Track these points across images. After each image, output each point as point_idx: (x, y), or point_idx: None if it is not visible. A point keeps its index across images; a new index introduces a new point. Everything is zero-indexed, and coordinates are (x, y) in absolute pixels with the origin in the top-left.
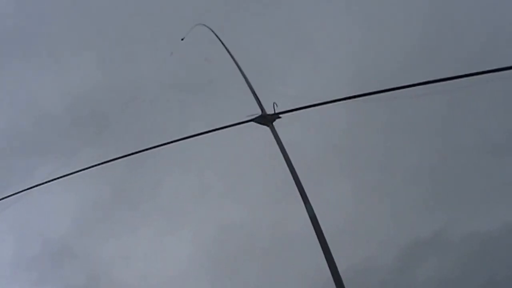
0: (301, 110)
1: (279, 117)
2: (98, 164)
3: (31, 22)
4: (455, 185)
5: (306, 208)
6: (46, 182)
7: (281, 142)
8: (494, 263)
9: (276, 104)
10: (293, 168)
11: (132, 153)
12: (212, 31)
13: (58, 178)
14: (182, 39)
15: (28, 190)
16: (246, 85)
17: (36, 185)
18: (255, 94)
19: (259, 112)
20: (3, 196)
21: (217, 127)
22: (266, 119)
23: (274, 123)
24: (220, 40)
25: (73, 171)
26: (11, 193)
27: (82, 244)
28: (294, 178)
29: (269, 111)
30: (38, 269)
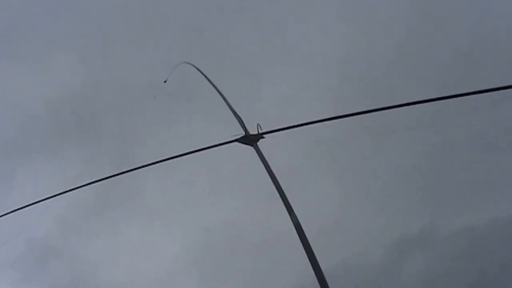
0: (285, 131)
1: (263, 137)
2: (89, 183)
3: (12, 22)
4: (443, 180)
5: (291, 218)
6: (40, 201)
7: (265, 161)
8: (482, 259)
9: (260, 126)
10: (278, 184)
11: (113, 175)
12: (197, 68)
13: (55, 196)
14: (165, 81)
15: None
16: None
17: (33, 203)
18: (238, 116)
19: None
20: None
21: (201, 147)
22: (250, 139)
23: (258, 143)
24: (206, 77)
25: (68, 189)
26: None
27: (66, 243)
28: (279, 193)
29: (253, 132)
30: (22, 269)
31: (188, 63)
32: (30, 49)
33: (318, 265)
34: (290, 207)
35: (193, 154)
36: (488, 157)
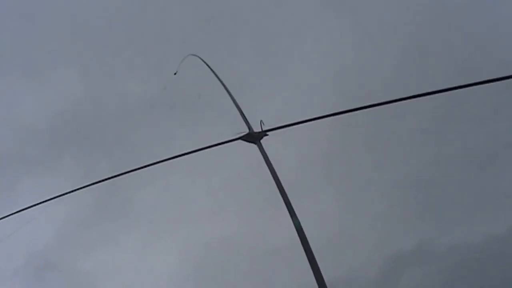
0: (288, 127)
1: (266, 135)
2: (91, 184)
3: (12, 36)
4: (439, 197)
5: (293, 221)
6: (39, 203)
7: (268, 159)
8: (477, 274)
9: (262, 122)
10: (280, 184)
11: (120, 174)
12: (203, 60)
13: (51, 199)
14: (175, 74)
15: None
16: (232, 105)
17: (29, 207)
18: (242, 113)
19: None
20: None
21: (205, 145)
22: (253, 137)
23: (261, 141)
24: (211, 69)
25: (64, 192)
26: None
27: (65, 256)
28: (281, 193)
29: (256, 129)
30: (22, 281)
31: (195, 55)
32: (30, 65)
33: (319, 270)
34: (293, 210)
35: (195, 155)
36: (484, 173)
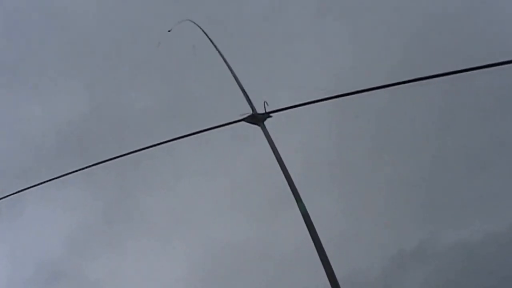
0: (293, 109)
1: (270, 116)
2: (88, 166)
3: (19, 52)
4: (440, 196)
5: (298, 206)
6: (35, 186)
7: (272, 141)
8: (479, 273)
9: (266, 103)
10: (285, 167)
11: (120, 156)
12: (200, 27)
13: (44, 182)
14: (169, 31)
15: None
16: (236, 84)
17: (25, 189)
18: (245, 93)
19: (250, 112)
20: None
21: (207, 127)
22: (256, 119)
23: (265, 122)
24: (208, 37)
25: (59, 174)
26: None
27: (73, 264)
28: (286, 177)
29: (260, 110)
30: None
31: (192, 21)
32: (37, 79)
33: (326, 256)
34: (298, 194)
35: (198, 148)
36: (485, 172)
